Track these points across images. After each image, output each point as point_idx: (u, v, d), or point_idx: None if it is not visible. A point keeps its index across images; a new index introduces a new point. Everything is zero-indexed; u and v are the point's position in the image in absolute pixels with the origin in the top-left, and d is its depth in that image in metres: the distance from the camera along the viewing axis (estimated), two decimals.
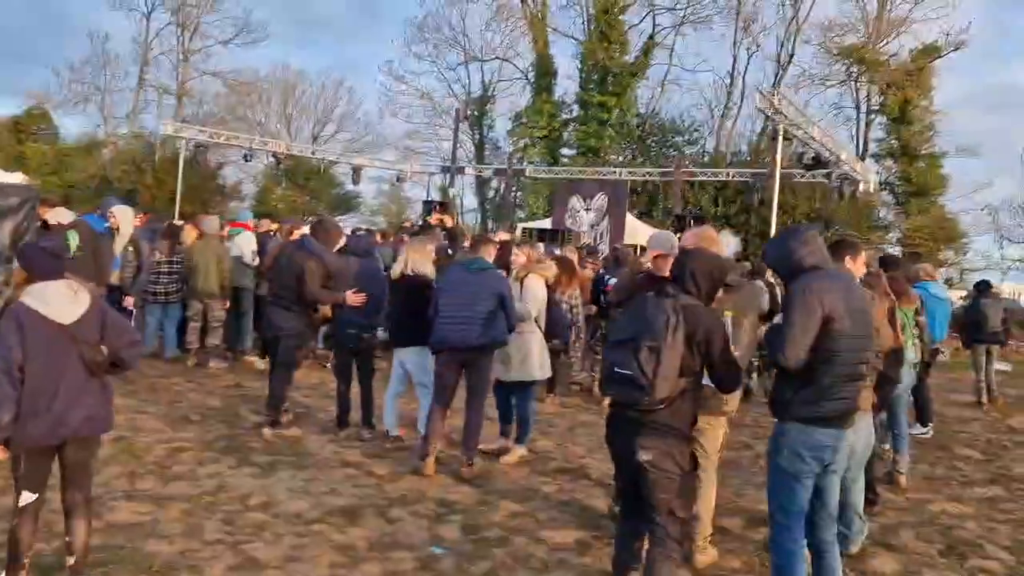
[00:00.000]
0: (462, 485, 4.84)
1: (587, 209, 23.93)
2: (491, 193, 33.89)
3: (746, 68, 30.03)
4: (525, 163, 28.38)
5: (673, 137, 29.98)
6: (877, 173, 28.06)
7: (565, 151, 30.52)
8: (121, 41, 49.69)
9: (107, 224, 7.25)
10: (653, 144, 30.37)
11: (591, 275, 8.74)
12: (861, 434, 4.33)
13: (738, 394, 3.86)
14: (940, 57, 25.25)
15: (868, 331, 3.19)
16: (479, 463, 5.14)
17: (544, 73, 30.47)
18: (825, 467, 3.16)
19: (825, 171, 16.55)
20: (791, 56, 28.70)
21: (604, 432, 3.27)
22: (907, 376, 6.10)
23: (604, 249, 18.13)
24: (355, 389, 5.97)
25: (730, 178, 21.68)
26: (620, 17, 28.94)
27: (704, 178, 22.45)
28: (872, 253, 8.24)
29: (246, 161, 28.09)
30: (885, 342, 5.14)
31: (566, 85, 30.96)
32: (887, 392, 5.24)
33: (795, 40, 28.45)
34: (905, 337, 5.91)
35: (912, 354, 6.15)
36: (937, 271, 25.25)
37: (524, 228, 24.84)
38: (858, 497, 4.35)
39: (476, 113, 34.13)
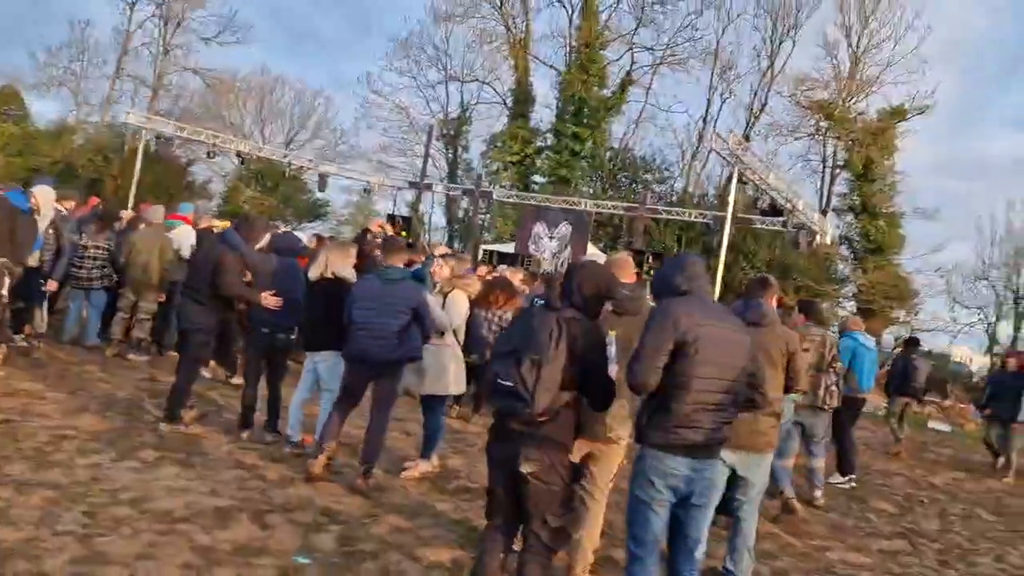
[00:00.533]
0: (353, 496, 4.69)
1: (551, 237, 24.04)
2: (460, 213, 33.89)
3: (718, 113, 30.56)
4: (495, 186, 28.47)
5: (643, 174, 30.29)
6: (837, 227, 28.62)
7: (537, 178, 30.68)
8: (102, 29, 49.27)
9: (29, 204, 7.05)
10: (624, 179, 30.66)
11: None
12: (758, 472, 4.30)
13: (629, 422, 3.79)
14: (905, 120, 25.89)
15: (738, 363, 3.09)
16: (378, 476, 5.01)
17: (522, 99, 30.71)
18: (685, 499, 3.07)
19: (780, 219, 16.75)
20: (763, 105, 29.27)
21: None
22: (787, 410, 6.13)
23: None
24: (264, 391, 5.82)
25: (692, 219, 21.88)
26: (601, 52, 29.30)
27: (667, 216, 22.63)
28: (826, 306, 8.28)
29: (209, 157, 27.81)
30: (798, 383, 5.27)
31: (543, 113, 31.24)
32: None
33: (768, 90, 29.04)
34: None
35: (799, 395, 6.20)
36: (885, 328, 25.58)
37: (486, 249, 24.87)
38: (750, 533, 4.30)
39: (452, 133, 34.23)
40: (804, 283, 25.46)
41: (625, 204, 23.27)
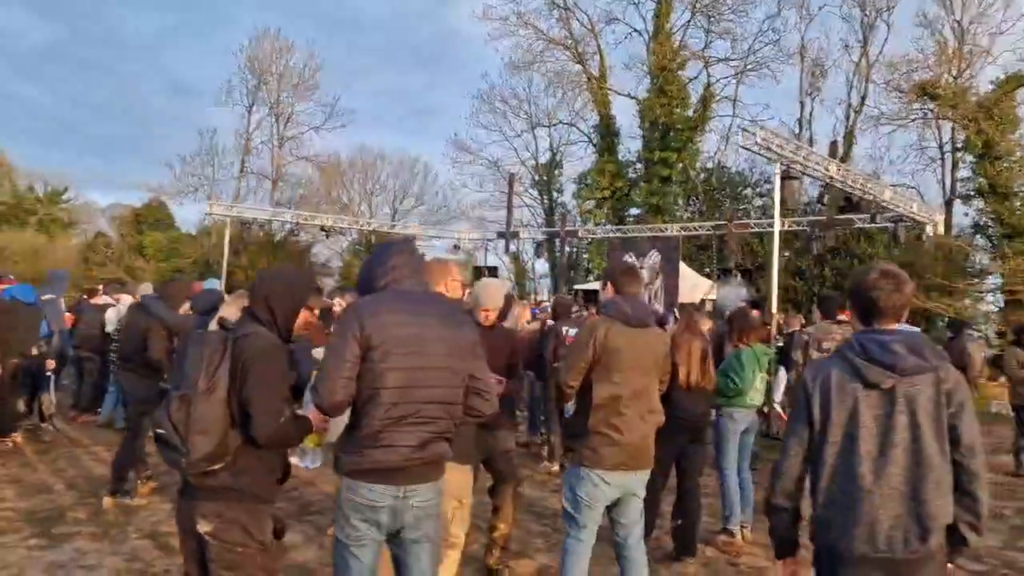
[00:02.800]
0: None
1: (641, 267, 23.28)
2: (563, 255, 33.64)
3: (811, 114, 28.74)
4: (590, 224, 28.12)
5: (742, 189, 28.88)
6: (965, 215, 25.90)
7: (633, 211, 30.01)
8: (226, 134, 53.84)
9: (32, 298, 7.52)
10: (723, 198, 29.34)
11: None
12: (642, 489, 3.74)
13: None
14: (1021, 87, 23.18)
15: (446, 363, 2.58)
16: None
17: (606, 134, 30.32)
18: (395, 535, 2.58)
19: (863, 215, 15.29)
20: (863, 98, 27.26)
21: None
22: (747, 419, 5.49)
23: (659, 308, 17.53)
24: None
25: (785, 227, 20.44)
26: (679, 73, 28.52)
27: (759, 229, 21.31)
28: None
29: (326, 236, 29.39)
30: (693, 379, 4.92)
31: (630, 144, 30.66)
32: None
33: (866, 82, 27.06)
34: (742, 378, 5.30)
35: (757, 397, 5.50)
36: None
37: (578, 289, 24.44)
38: (643, 562, 3.73)
39: (544, 178, 34.28)
40: (934, 281, 23.06)
41: (712, 223, 22.16)
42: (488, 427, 4.25)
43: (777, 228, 11.04)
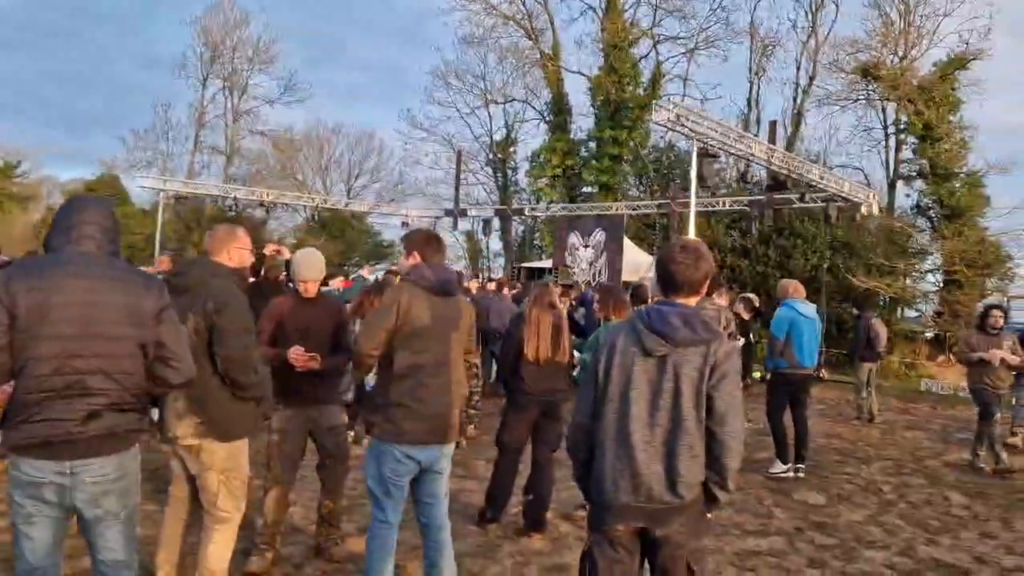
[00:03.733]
0: None
1: (586, 246, 23.24)
2: (517, 233, 33.57)
3: (758, 93, 28.84)
4: (543, 203, 28.03)
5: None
6: (907, 196, 26.25)
7: (587, 189, 29.93)
8: (182, 109, 52.70)
9: None
10: (675, 176, 29.38)
11: None
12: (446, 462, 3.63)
13: (189, 419, 3.25)
14: (965, 69, 23.44)
15: (114, 332, 2.44)
16: None
17: (558, 112, 30.17)
18: (77, 510, 2.45)
19: (790, 194, 15.39)
20: (811, 79, 27.39)
21: None
22: None
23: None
24: None
25: (727, 207, 20.58)
26: (631, 51, 28.40)
27: (700, 208, 21.37)
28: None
29: (266, 212, 28.85)
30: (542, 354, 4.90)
31: (582, 123, 30.54)
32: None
33: (814, 62, 27.18)
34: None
35: None
36: (978, 301, 22.99)
37: (525, 267, 24.41)
38: (448, 540, 3.63)
39: (499, 156, 34.08)
40: (875, 261, 23.37)
41: (657, 202, 22.21)
42: (314, 402, 4.17)
43: (693, 207, 11.04)
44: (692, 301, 2.54)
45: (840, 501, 6.36)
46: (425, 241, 3.62)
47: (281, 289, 9.35)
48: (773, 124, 21.71)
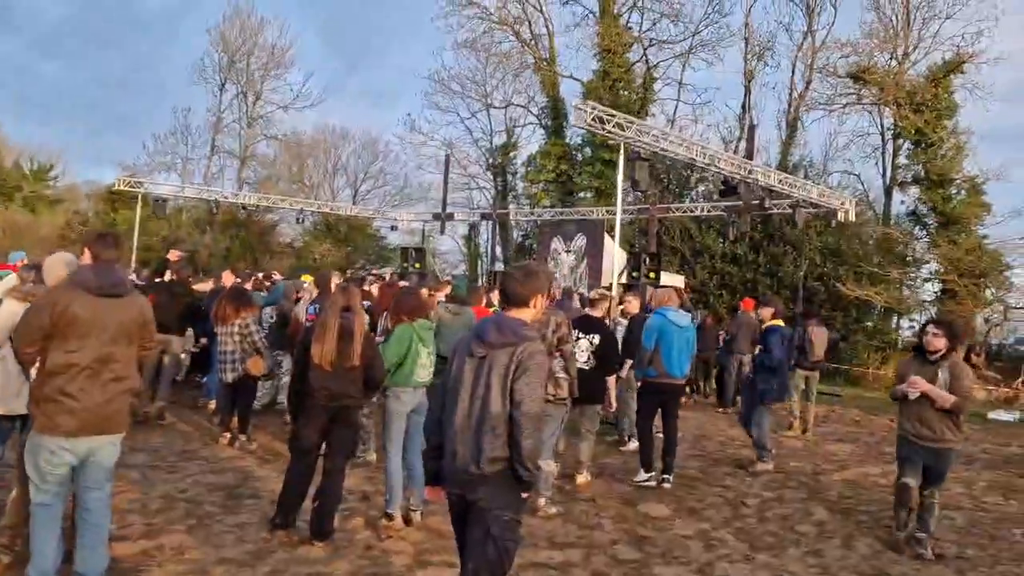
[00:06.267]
0: None
1: (568, 251, 23.10)
2: (515, 237, 33.46)
3: (749, 98, 28.40)
4: (537, 208, 27.91)
5: (688, 173, 28.58)
6: (902, 203, 25.62)
7: (583, 194, 29.75)
8: (199, 113, 53.59)
9: None
10: (671, 182, 29.06)
11: None
12: (112, 452, 3.82)
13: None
14: (961, 73, 22.81)
15: None
16: None
17: (555, 116, 30.06)
18: None
19: (740, 199, 15.08)
20: (807, 83, 26.90)
21: None
22: (414, 399, 5.37)
23: (584, 291, 17.40)
24: None
25: (707, 213, 20.27)
26: (625, 56, 28.18)
27: (679, 214, 21.12)
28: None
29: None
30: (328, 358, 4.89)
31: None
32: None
33: (811, 66, 26.67)
34: (394, 353, 5.20)
35: (425, 376, 5.39)
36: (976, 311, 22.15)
37: (494, 273, 24.26)
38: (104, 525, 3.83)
39: (498, 161, 34.02)
40: (865, 270, 22.84)
41: (637, 207, 21.97)
42: None
43: (619, 212, 10.85)
44: (524, 312, 3.04)
45: (686, 514, 6.18)
46: (96, 240, 3.80)
47: (190, 288, 9.52)
48: (752, 129, 21.30)
